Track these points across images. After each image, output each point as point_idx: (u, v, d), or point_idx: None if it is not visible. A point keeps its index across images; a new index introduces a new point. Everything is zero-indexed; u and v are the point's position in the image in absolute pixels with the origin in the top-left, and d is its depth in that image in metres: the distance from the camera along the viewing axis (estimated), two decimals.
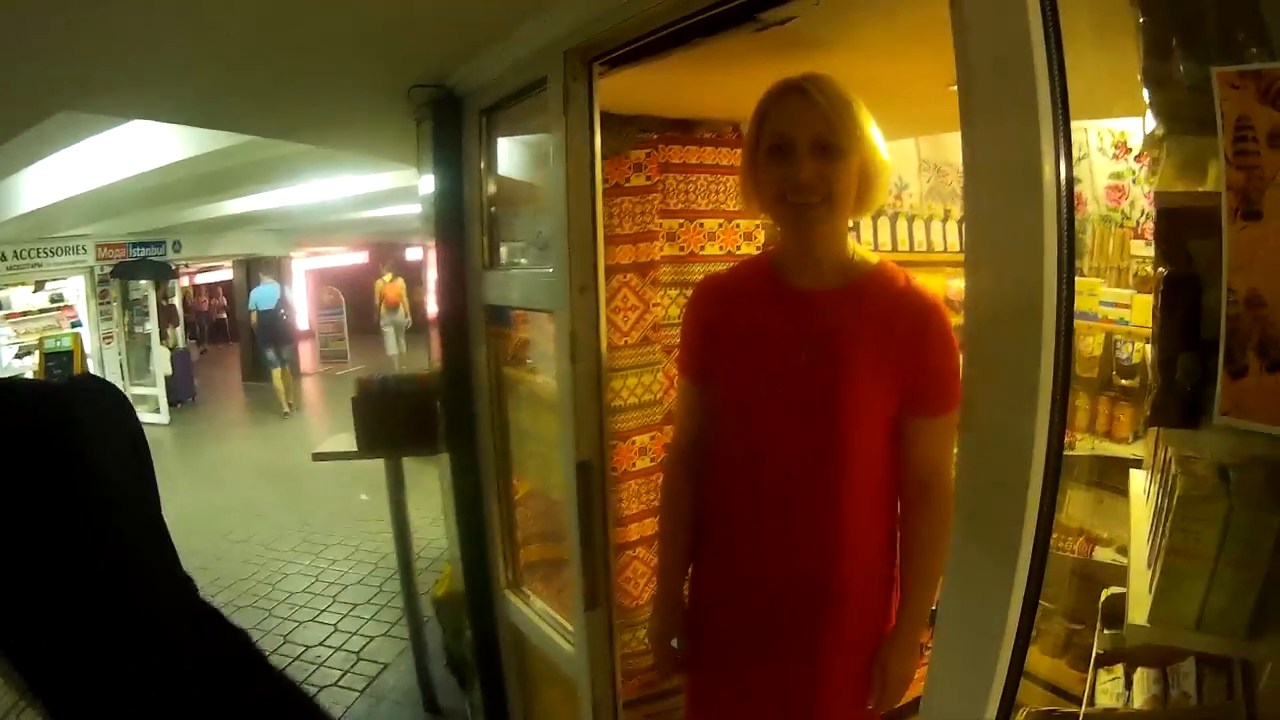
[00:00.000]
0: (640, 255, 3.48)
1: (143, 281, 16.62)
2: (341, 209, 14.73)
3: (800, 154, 2.10)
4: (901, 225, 4.23)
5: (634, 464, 3.51)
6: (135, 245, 16.39)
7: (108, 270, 16.04)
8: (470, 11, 2.59)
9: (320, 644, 5.96)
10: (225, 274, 23.43)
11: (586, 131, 2.57)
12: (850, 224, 2.44)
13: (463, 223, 3.41)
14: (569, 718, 3.07)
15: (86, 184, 8.61)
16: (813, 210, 2.13)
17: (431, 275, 3.55)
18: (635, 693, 3.15)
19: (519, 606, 3.43)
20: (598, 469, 2.66)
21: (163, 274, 16.95)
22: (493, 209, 3.39)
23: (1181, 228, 1.52)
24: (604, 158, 2.93)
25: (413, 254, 26.44)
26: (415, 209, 12.21)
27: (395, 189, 10.98)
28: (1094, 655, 2.44)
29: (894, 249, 4.18)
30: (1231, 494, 1.59)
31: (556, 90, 2.57)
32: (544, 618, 3.28)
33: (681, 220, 3.60)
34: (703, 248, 3.64)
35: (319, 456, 5.03)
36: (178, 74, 3.22)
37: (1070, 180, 1.27)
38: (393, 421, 4.56)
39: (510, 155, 3.43)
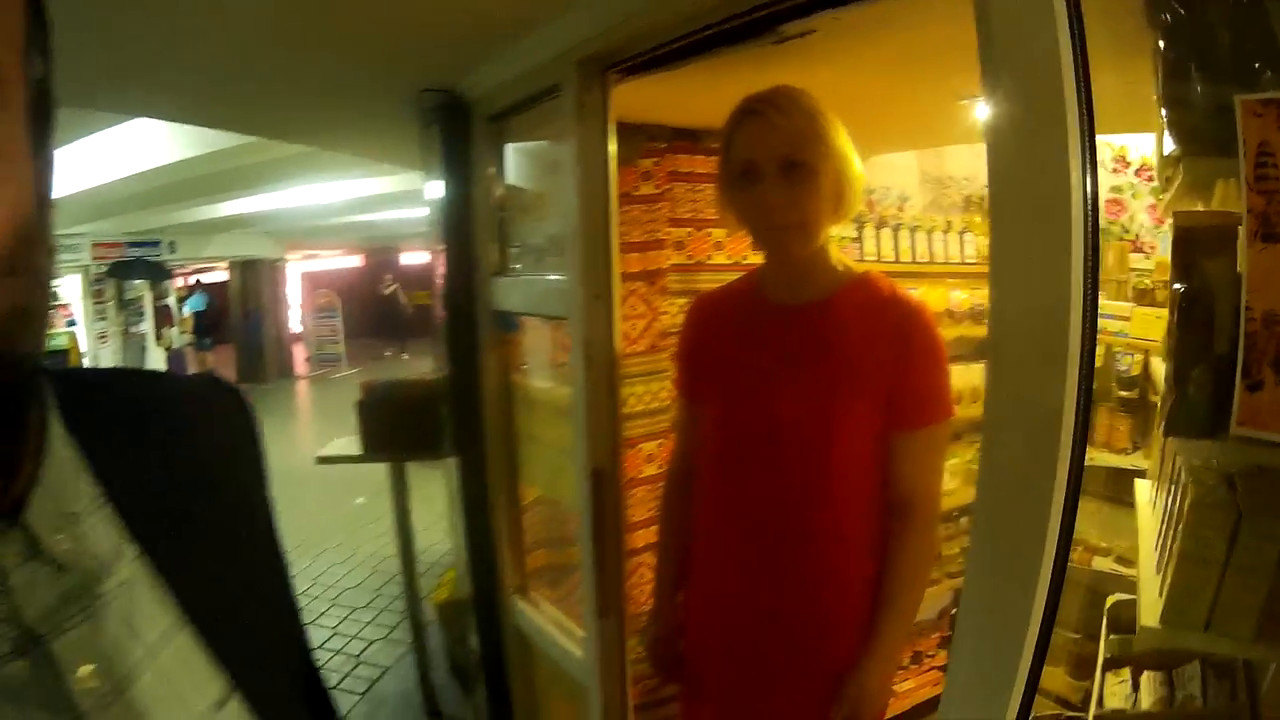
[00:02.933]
0: (648, 263, 3.52)
1: (138, 281, 16.74)
2: (337, 212, 14.90)
3: (767, 178, 2.11)
4: (904, 236, 4.27)
5: (641, 471, 3.53)
6: (131, 245, 16.54)
7: (103, 270, 16.26)
8: (481, 18, 2.60)
9: (320, 647, 5.97)
10: (220, 275, 23.70)
11: (601, 141, 2.57)
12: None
13: (472, 229, 3.44)
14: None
15: (83, 183, 8.65)
16: (787, 235, 2.15)
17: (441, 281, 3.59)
18: (637, 699, 3.17)
19: (526, 612, 3.46)
20: (611, 476, 2.69)
21: (158, 274, 17.16)
22: (502, 215, 3.43)
23: (1197, 246, 1.55)
24: None
25: (409, 259, 26.60)
26: (413, 213, 12.19)
27: (392, 193, 11.00)
28: (1101, 660, 2.49)
29: (896, 260, 4.23)
30: (1239, 502, 1.63)
31: (570, 100, 2.58)
32: (552, 622, 3.30)
33: (690, 229, 3.63)
34: (710, 257, 3.68)
35: (323, 460, 5.07)
36: (186, 71, 3.24)
37: (1096, 194, 1.30)
38: (397, 425, 4.61)
39: (522, 161, 3.46)
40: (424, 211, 12.14)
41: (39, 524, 0.70)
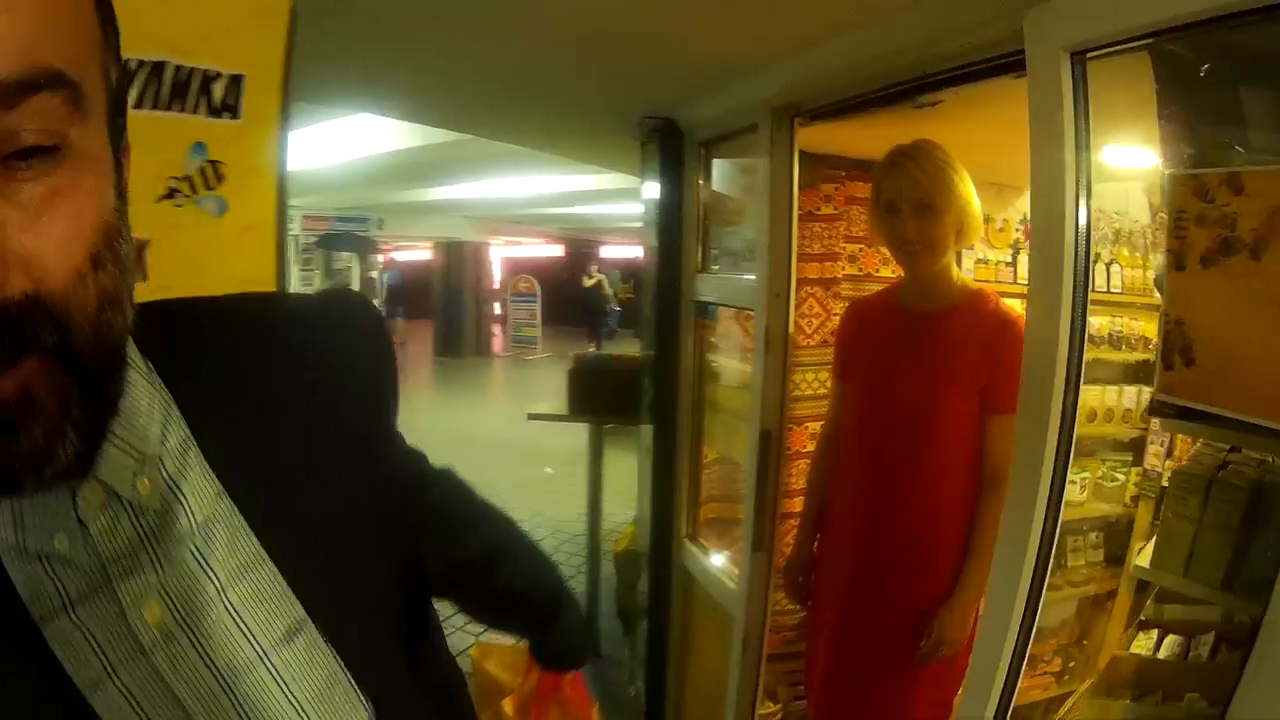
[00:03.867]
0: (825, 272, 4.11)
1: (344, 254, 17.78)
2: (539, 204, 15.51)
3: (905, 214, 2.83)
4: None
5: (805, 446, 4.09)
6: (340, 220, 17.46)
7: (312, 240, 17.27)
8: (696, 66, 3.23)
9: None
10: (418, 254, 24.79)
11: (787, 171, 3.25)
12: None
13: (680, 232, 4.13)
14: (720, 651, 3.68)
15: (306, 163, 9.21)
16: (917, 256, 2.86)
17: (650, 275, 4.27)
18: (774, 648, 3.72)
19: (694, 553, 4.14)
20: (776, 436, 3.35)
21: (366, 249, 18.15)
22: (705, 223, 4.11)
23: None
24: (799, 189, 3.62)
25: (608, 252, 27.26)
26: (612, 209, 12.72)
27: (595, 190, 11.56)
28: (1138, 620, 2.98)
29: None
30: (1217, 474, 2.14)
31: (764, 137, 3.25)
32: (715, 565, 3.97)
33: (861, 245, 4.20)
34: (878, 270, 4.24)
35: (534, 416, 6.00)
36: (447, 85, 3.93)
37: (1089, 228, 1.96)
38: (600, 392, 5.50)
39: (723, 179, 4.13)
40: (623, 208, 12.62)
41: (112, 475, 0.78)
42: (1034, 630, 2.15)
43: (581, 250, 26.76)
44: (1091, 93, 1.97)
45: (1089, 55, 1.93)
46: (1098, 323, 4.35)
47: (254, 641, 0.85)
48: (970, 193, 2.88)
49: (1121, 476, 3.42)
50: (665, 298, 4.25)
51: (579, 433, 6.26)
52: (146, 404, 0.83)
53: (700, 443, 4.30)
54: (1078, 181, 1.95)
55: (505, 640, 1.81)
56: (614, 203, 14.18)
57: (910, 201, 2.83)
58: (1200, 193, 1.80)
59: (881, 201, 2.95)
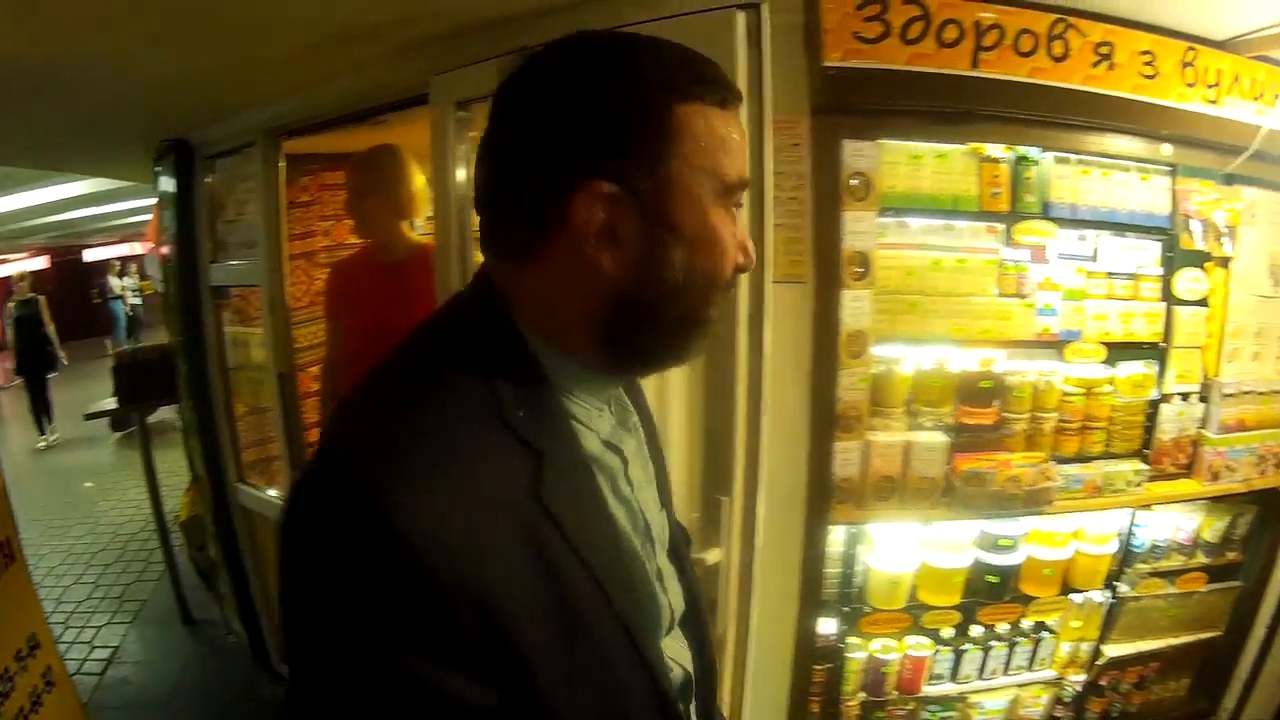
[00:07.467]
0: (307, 247, 5.32)
1: None
2: (25, 216, 15.22)
3: (366, 193, 4.18)
4: None
5: (311, 387, 5.24)
6: None
7: None
8: (208, 106, 4.34)
9: (87, 598, 7.47)
10: None
11: (275, 175, 4.42)
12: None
13: (194, 232, 5.20)
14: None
15: None
16: (369, 224, 4.25)
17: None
18: None
19: (247, 491, 5.20)
20: (290, 377, 4.54)
21: None
22: (215, 221, 5.20)
23: None
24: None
25: (93, 254, 26.33)
26: (104, 209, 13.26)
27: (85, 194, 12.10)
28: None
29: None
30: None
31: (258, 151, 4.42)
32: (264, 495, 5.04)
33: (334, 221, 5.52)
34: (346, 239, 5.56)
35: (90, 415, 7.05)
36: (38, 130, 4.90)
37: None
38: (143, 379, 6.46)
39: (226, 183, 5.20)
40: (113, 207, 13.16)
41: (617, 394, 1.57)
42: None
43: (66, 259, 25.53)
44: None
45: (468, 103, 3.26)
46: None
47: (658, 504, 1.61)
48: (410, 176, 4.10)
49: None
50: (186, 286, 5.31)
51: (105, 447, 7.33)
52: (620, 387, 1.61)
53: (232, 401, 5.35)
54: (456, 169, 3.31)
55: None
56: (104, 204, 14.59)
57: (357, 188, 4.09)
58: None
59: (351, 187, 4.13)
